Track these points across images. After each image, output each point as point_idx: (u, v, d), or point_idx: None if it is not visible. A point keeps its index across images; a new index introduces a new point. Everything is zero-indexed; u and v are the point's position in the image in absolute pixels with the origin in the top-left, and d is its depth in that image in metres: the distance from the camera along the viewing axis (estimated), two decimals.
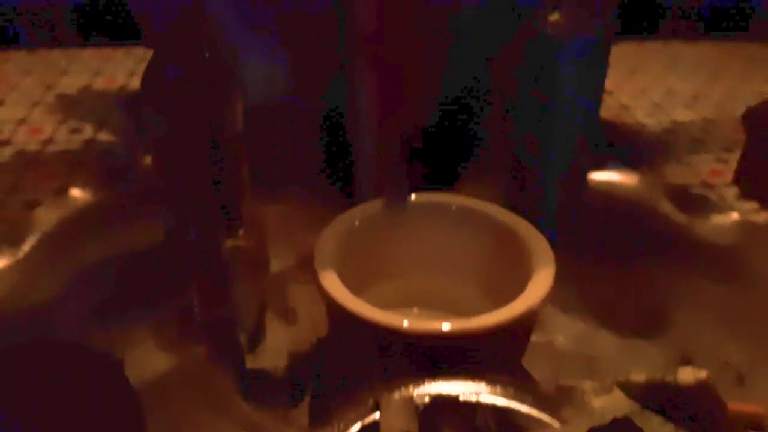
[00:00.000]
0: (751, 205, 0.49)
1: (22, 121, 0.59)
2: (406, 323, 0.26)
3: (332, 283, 0.28)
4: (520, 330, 0.28)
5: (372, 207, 0.34)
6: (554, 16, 0.38)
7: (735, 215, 0.44)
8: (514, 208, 0.37)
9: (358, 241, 0.32)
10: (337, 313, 0.28)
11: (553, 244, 0.32)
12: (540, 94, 0.38)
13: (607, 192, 0.47)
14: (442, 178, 0.38)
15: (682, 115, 0.63)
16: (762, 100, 0.50)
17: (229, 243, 0.34)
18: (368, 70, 0.35)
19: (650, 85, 0.69)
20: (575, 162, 0.41)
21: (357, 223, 0.33)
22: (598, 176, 0.46)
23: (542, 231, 0.33)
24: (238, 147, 0.33)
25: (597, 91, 0.40)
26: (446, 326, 0.25)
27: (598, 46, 0.39)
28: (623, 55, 0.75)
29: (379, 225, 0.33)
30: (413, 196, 0.34)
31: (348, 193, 0.39)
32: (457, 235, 0.34)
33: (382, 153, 0.36)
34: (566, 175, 0.41)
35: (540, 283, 0.28)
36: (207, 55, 0.31)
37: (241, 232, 0.34)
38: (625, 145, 0.56)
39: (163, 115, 0.33)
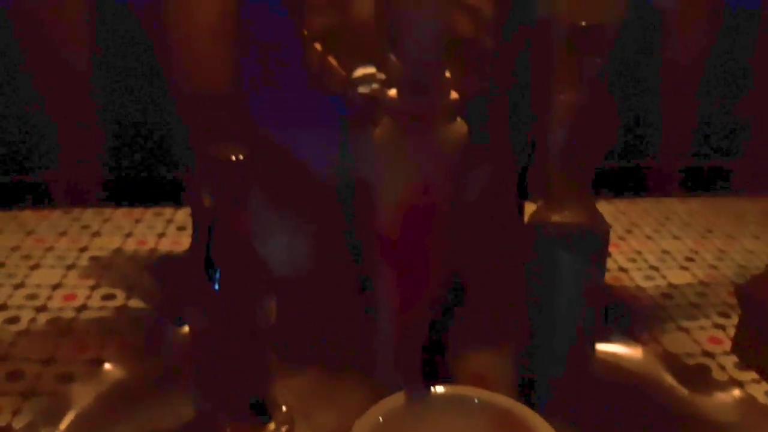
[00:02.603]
0: (750, 375, 0.51)
1: (57, 286, 0.62)
2: None
3: None
4: None
5: (394, 402, 0.36)
6: (555, 216, 0.42)
7: (737, 392, 0.46)
8: (524, 388, 0.40)
9: None
10: None
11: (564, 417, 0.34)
12: (544, 283, 0.42)
13: (611, 364, 0.49)
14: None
15: (678, 277, 0.66)
16: (752, 276, 0.53)
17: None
18: (389, 270, 0.38)
19: (645, 245, 0.73)
20: (581, 338, 0.44)
21: (381, 419, 0.35)
22: (602, 347, 0.49)
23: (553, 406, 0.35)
24: (269, 339, 0.37)
25: (599, 274, 0.44)
26: None
27: (598, 238, 0.42)
28: (617, 214, 0.79)
29: (401, 419, 0.36)
30: (433, 389, 0.37)
31: (370, 371, 0.42)
32: (475, 427, 0.36)
33: (402, 345, 0.39)
34: (573, 350, 0.43)
35: None
36: (245, 265, 0.35)
37: (271, 424, 0.36)
38: (626, 312, 0.59)
39: (204, 315, 0.36)
